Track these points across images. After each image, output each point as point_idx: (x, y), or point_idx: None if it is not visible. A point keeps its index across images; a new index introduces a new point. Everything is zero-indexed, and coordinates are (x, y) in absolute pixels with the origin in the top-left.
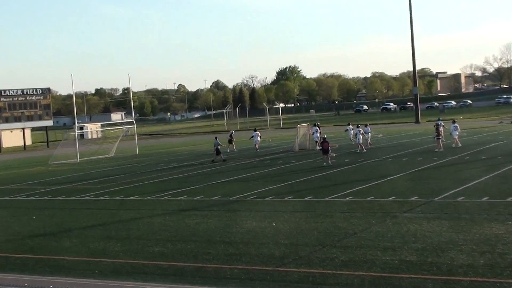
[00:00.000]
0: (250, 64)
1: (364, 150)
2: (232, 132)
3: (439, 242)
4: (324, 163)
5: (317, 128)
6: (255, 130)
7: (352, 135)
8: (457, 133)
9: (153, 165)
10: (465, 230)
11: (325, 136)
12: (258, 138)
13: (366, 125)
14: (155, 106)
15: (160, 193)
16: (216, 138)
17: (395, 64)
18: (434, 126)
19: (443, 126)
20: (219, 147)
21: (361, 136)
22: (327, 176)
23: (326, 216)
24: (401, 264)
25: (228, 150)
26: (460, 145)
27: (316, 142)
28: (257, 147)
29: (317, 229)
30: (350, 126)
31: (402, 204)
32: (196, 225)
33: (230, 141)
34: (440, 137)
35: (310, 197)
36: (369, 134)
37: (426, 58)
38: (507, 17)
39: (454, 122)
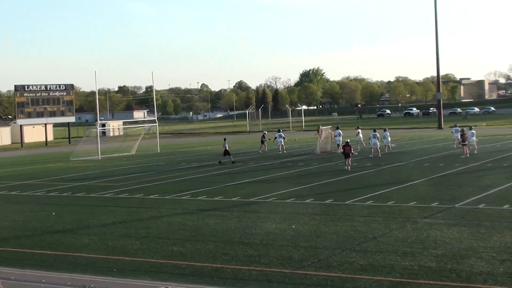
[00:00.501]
0: (274, 65)
1: (379, 154)
2: (265, 133)
3: (459, 248)
4: (345, 167)
5: (340, 131)
6: (279, 131)
7: (361, 139)
8: (475, 139)
9: (174, 164)
10: (485, 237)
11: (348, 140)
12: (282, 140)
13: (385, 130)
14: (178, 105)
15: (180, 192)
16: (224, 139)
17: (419, 69)
18: (460, 132)
19: (461, 132)
20: (227, 148)
21: (377, 141)
22: (348, 180)
23: (346, 219)
24: (420, 270)
25: (260, 151)
26: (476, 152)
27: (338, 145)
28: (280, 149)
29: (336, 233)
30: (359, 130)
31: (422, 210)
32: (215, 225)
33: (262, 142)
34: (466, 143)
35: (331, 200)
36: (389, 138)
37: (450, 64)
38: None
39: (471, 128)
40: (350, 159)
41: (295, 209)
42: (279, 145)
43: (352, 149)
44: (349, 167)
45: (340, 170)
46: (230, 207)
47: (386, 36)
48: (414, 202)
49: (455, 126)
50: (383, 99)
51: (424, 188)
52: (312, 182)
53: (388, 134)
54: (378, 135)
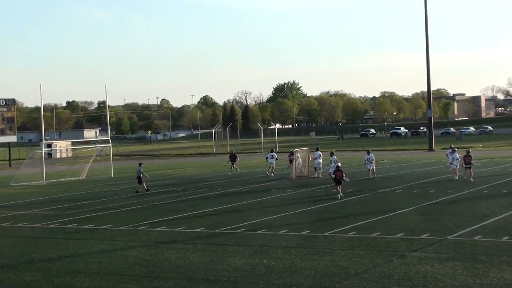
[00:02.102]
0: (244, 79)
1: (374, 176)
2: (292, 151)
3: (452, 286)
4: (338, 195)
5: (320, 153)
6: (271, 151)
7: (320, 165)
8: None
9: (130, 190)
10: (482, 273)
11: (339, 164)
12: (274, 161)
13: (368, 152)
14: (135, 123)
15: (137, 222)
16: (140, 164)
17: (408, 84)
18: (466, 152)
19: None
20: (141, 175)
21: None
22: (327, 208)
23: (325, 253)
24: None
25: (284, 172)
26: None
27: (316, 168)
28: (269, 172)
29: (314, 268)
30: (319, 153)
31: (411, 242)
32: (176, 260)
33: (291, 161)
34: (471, 165)
35: (308, 231)
36: (373, 162)
37: (442, 78)
38: None
39: (454, 151)
40: (341, 185)
41: (267, 242)
42: (270, 167)
43: (344, 175)
44: (339, 195)
45: (318, 198)
46: (194, 239)
47: (371, 47)
48: (402, 234)
49: (450, 147)
50: (367, 117)
51: (413, 217)
52: (287, 211)
53: (373, 156)
54: (373, 157)
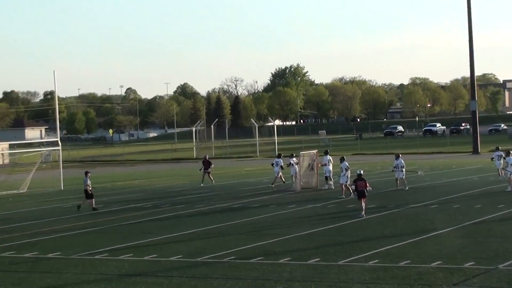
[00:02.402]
0: (233, 62)
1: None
2: (292, 155)
3: None
4: (363, 213)
5: (330, 158)
6: (279, 157)
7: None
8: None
9: (85, 207)
10: None
11: (361, 171)
12: (279, 169)
13: (397, 157)
14: (92, 119)
15: (93, 248)
16: (86, 173)
17: (445, 68)
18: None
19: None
20: (89, 188)
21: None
22: (341, 229)
23: None
24: None
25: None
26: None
27: (327, 177)
28: (273, 184)
29: None
30: (294, 159)
31: (451, 273)
32: None
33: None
34: None
35: (316, 259)
36: (403, 170)
37: (490, 61)
38: None
39: (509, 153)
40: (365, 199)
41: (263, 274)
42: (276, 176)
43: (368, 184)
44: (363, 212)
45: (330, 215)
46: (168, 271)
47: (396, 22)
48: (439, 262)
49: (497, 149)
50: (392, 111)
51: (453, 241)
52: (289, 233)
53: (403, 162)
54: (403, 163)
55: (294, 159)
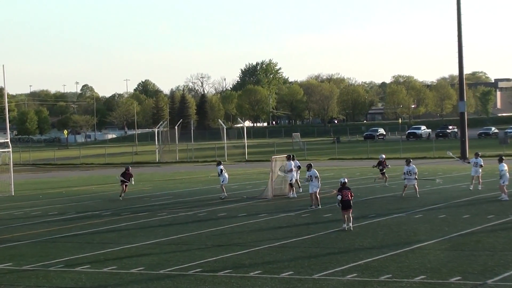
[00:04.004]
0: (199, 57)
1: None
2: (382, 157)
3: None
4: (344, 225)
5: (297, 163)
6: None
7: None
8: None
9: (39, 215)
10: None
11: (345, 180)
12: (226, 176)
13: (408, 162)
14: (45, 118)
15: (47, 260)
16: None
17: (431, 65)
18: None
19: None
20: None
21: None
22: (316, 240)
23: None
24: None
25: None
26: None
27: (291, 184)
28: (224, 191)
29: None
30: (221, 167)
31: None
32: None
33: (382, 172)
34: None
35: (289, 272)
36: (415, 177)
37: (480, 58)
38: None
39: (501, 159)
40: (351, 211)
41: None
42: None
43: (351, 194)
44: (350, 225)
45: (304, 225)
46: (129, 285)
47: (378, 14)
48: (423, 276)
49: (476, 156)
50: (373, 112)
51: (438, 253)
52: (260, 244)
53: (416, 169)
54: (416, 169)
55: (221, 166)
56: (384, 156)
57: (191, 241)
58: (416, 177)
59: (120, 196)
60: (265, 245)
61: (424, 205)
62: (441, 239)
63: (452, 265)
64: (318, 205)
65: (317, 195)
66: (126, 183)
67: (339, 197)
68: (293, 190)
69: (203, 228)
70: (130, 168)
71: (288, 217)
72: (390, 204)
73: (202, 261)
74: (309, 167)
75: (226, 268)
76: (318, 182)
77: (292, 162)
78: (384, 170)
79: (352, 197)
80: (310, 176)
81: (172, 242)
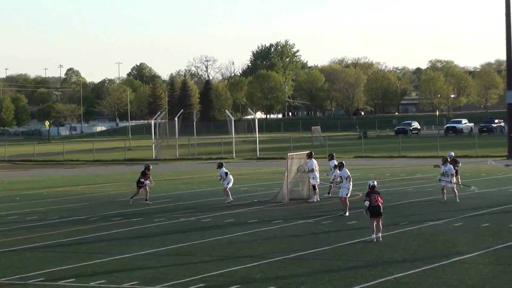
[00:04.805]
0: (204, 37)
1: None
2: (451, 154)
3: None
4: (373, 236)
5: (315, 162)
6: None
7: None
8: None
9: (16, 220)
10: None
11: (374, 182)
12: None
13: (445, 161)
14: (23, 107)
15: (27, 271)
16: None
17: (474, 49)
18: None
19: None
20: None
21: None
22: (338, 252)
23: None
24: None
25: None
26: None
27: (314, 187)
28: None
29: None
30: (346, 171)
31: None
32: None
33: (456, 173)
34: None
35: None
36: (454, 180)
37: None
38: None
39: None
40: (381, 218)
41: None
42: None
43: (381, 199)
44: (379, 235)
45: (324, 234)
46: None
47: None
48: None
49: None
50: (406, 102)
51: (480, 268)
52: (273, 256)
53: (453, 169)
54: (453, 170)
55: (225, 169)
56: (452, 154)
57: (193, 252)
58: (455, 179)
59: (130, 200)
60: (279, 256)
61: (465, 211)
62: (485, 251)
63: (496, 282)
64: (346, 212)
65: (347, 200)
66: (141, 185)
67: (367, 202)
68: (317, 194)
69: (207, 236)
70: (151, 166)
71: (306, 224)
72: (425, 210)
73: (206, 274)
74: (340, 166)
75: (234, 283)
76: (350, 183)
77: (314, 160)
78: (457, 168)
79: (382, 203)
80: (341, 177)
81: (171, 253)
